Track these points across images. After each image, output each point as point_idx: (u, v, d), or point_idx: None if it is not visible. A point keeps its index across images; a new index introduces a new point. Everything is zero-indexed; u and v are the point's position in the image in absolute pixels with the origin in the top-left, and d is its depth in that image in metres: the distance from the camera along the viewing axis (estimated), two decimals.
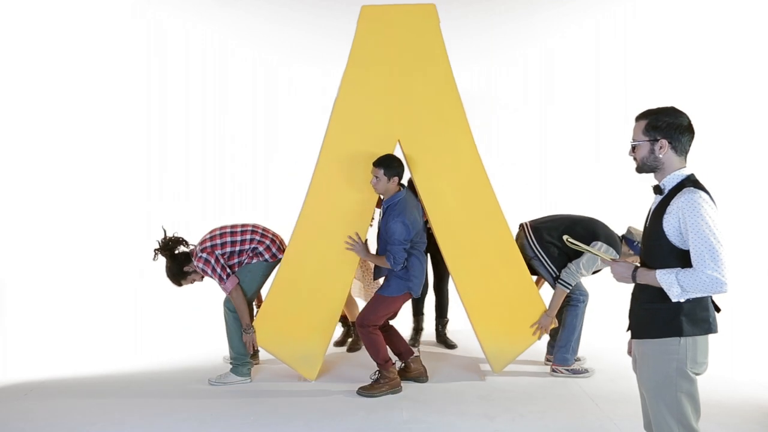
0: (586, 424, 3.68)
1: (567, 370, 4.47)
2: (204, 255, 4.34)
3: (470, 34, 6.94)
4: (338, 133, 4.38)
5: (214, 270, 4.32)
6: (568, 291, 4.34)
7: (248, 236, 4.46)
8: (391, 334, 4.43)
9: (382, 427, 3.66)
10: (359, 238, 4.32)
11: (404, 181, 4.42)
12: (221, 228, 4.51)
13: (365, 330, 4.21)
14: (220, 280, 4.33)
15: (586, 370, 4.48)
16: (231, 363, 4.46)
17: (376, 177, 4.13)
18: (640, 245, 4.24)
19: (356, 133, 4.37)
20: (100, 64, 6.76)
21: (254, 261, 4.46)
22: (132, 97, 6.85)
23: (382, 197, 4.27)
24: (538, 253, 4.41)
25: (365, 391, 4.15)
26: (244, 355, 4.43)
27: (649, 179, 2.74)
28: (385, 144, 4.35)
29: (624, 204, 7.02)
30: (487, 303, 4.43)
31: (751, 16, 6.70)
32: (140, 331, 5.75)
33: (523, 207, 5.70)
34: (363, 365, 4.68)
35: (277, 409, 3.93)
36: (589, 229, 4.33)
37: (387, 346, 4.31)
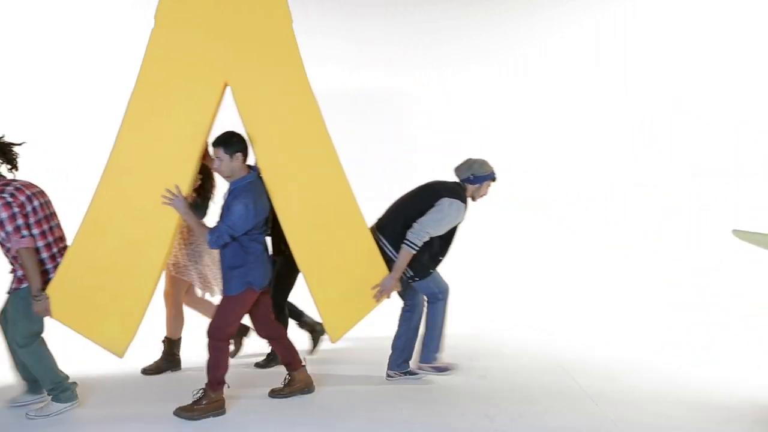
0: (586, 424, 3.68)
1: (432, 367, 4.38)
2: (9, 199, 3.55)
3: (470, 34, 6.95)
4: (154, 71, 3.83)
5: (12, 218, 3.52)
6: (414, 252, 4.07)
7: (51, 239, 3.74)
8: (285, 343, 4.08)
9: (382, 427, 3.66)
10: (180, 192, 3.80)
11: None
12: (47, 204, 3.78)
13: (215, 343, 3.75)
14: (16, 232, 3.53)
15: (447, 369, 4.41)
16: (49, 393, 3.80)
17: (218, 158, 3.70)
18: (474, 175, 4.20)
19: (176, 73, 3.84)
20: (99, 62, 6.76)
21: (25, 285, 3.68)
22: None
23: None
24: (392, 255, 4.17)
25: (184, 412, 3.70)
26: (60, 381, 3.79)
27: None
28: (211, 86, 3.87)
29: (625, 204, 7.07)
30: (325, 267, 4.09)
31: (752, 15, 6.70)
32: (141, 331, 5.73)
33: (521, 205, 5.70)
34: (363, 362, 4.68)
35: (278, 409, 3.93)
36: (429, 193, 4.20)
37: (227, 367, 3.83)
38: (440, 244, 4.25)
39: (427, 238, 4.09)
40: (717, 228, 6.72)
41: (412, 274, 4.23)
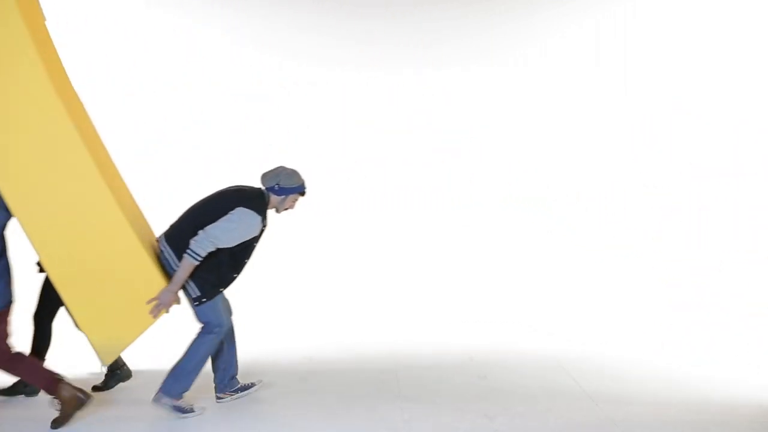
0: (586, 424, 3.68)
1: (174, 406, 3.79)
2: None
3: (470, 34, 6.95)
4: None
5: None
6: (196, 262, 3.63)
7: None
8: (27, 367, 3.64)
9: (382, 427, 3.66)
10: None
11: None
12: None
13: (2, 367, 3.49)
14: None
15: (192, 410, 3.82)
16: None
17: None
18: (279, 186, 3.78)
19: None
20: (102, 63, 6.77)
21: None
22: (130, 97, 6.86)
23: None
24: (176, 268, 3.72)
25: (57, 424, 3.58)
26: None
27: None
28: None
29: (625, 204, 7.07)
30: (83, 282, 3.69)
31: (752, 15, 6.70)
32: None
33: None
34: (363, 362, 4.68)
35: (277, 409, 3.93)
36: (224, 200, 3.78)
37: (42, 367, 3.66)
38: (231, 262, 3.80)
39: (212, 249, 3.65)
40: (717, 228, 6.74)
41: (198, 294, 3.75)
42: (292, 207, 3.93)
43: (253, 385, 4.13)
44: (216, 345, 3.89)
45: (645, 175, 6.97)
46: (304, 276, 6.47)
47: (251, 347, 4.89)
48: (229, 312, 4.01)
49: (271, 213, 3.90)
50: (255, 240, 3.83)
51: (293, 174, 3.88)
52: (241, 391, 4.08)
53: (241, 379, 4.15)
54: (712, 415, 3.76)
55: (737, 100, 6.72)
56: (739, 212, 6.51)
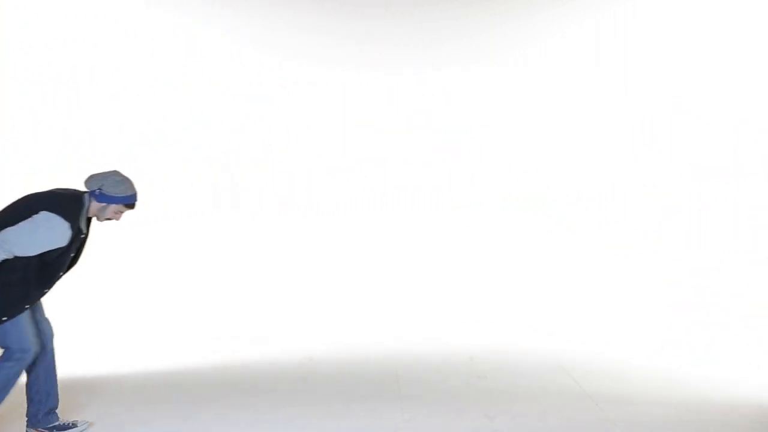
0: (586, 424, 3.68)
1: (49, 428, 3.51)
2: None
3: (470, 34, 6.95)
4: None
5: None
6: None
7: None
8: None
9: (383, 426, 3.66)
10: None
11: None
12: None
13: None
14: None
15: (74, 425, 3.58)
16: None
17: None
18: (101, 191, 3.33)
19: None
20: (102, 63, 6.77)
21: None
22: (130, 97, 6.86)
23: None
24: None
25: None
26: None
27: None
28: None
29: (625, 204, 7.07)
30: None
31: (752, 15, 6.70)
32: (140, 331, 5.74)
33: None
34: (363, 362, 4.68)
35: (278, 408, 3.93)
36: (31, 203, 3.30)
37: None
38: (41, 275, 3.32)
39: (6, 256, 3.17)
40: (717, 228, 6.74)
41: (4, 314, 3.29)
42: (116, 218, 3.45)
43: (74, 425, 3.60)
44: (18, 373, 3.38)
45: (645, 175, 6.97)
46: (304, 276, 6.47)
47: (252, 347, 4.90)
48: (48, 335, 3.58)
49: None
50: (70, 250, 3.33)
51: (122, 182, 3.41)
52: (58, 430, 3.54)
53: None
54: (712, 415, 3.76)
55: (737, 100, 6.72)
56: (739, 212, 6.51)
